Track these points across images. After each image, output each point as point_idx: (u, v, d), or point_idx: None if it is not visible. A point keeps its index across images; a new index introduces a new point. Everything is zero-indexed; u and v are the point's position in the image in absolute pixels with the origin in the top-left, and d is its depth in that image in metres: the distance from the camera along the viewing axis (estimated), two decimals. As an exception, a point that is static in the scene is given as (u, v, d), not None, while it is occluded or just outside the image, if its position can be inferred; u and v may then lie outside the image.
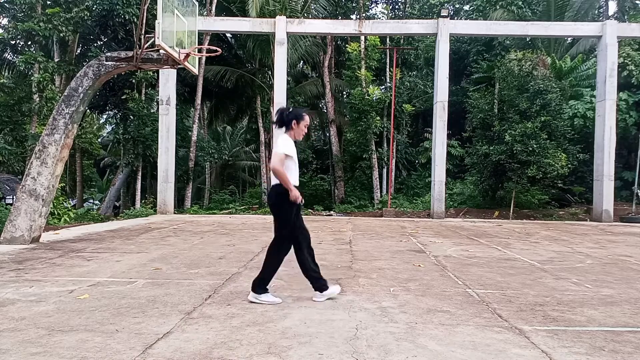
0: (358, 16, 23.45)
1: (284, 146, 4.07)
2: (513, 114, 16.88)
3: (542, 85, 16.69)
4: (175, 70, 14.42)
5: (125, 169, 20.51)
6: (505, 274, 5.79)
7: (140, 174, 19.34)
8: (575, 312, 4.13)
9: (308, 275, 4.37)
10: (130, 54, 8.33)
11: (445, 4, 25.64)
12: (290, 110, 4.28)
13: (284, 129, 4.23)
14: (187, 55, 8.54)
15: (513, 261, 6.81)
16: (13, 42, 19.34)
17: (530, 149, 15.70)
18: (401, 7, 29.31)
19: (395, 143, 21.70)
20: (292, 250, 4.38)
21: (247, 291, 4.59)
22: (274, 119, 4.37)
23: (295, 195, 4.05)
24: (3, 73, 20.54)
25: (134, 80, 18.24)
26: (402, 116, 21.27)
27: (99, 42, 19.82)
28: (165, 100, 15.14)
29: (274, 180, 4.15)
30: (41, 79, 16.13)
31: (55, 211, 12.80)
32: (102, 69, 8.37)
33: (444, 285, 5.14)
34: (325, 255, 6.95)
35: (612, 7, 27.83)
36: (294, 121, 4.17)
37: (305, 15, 21.68)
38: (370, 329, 3.56)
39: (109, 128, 31.47)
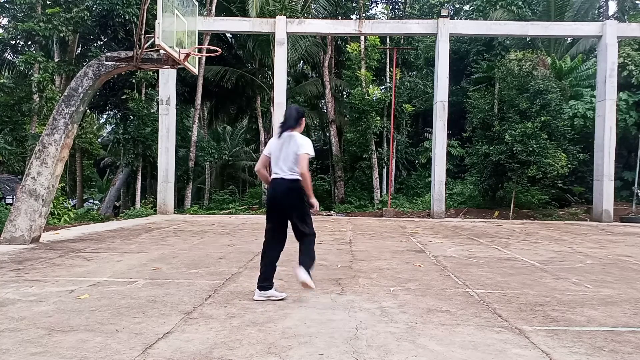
0: (358, 16, 23.44)
1: (310, 147, 4.01)
2: (513, 114, 16.88)
3: (542, 85, 16.69)
4: (175, 70, 14.42)
5: (125, 169, 20.51)
6: (505, 274, 5.79)
7: (140, 174, 19.33)
8: (575, 312, 4.13)
9: (264, 269, 4.28)
10: (130, 54, 8.33)
11: (445, 4, 25.60)
12: (296, 109, 4.25)
13: (296, 128, 4.14)
14: (187, 55, 8.54)
15: (513, 261, 6.81)
16: (13, 42, 19.31)
17: (530, 149, 15.70)
18: (401, 7, 29.29)
19: (395, 143, 21.69)
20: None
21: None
22: (285, 121, 4.15)
23: (315, 201, 4.09)
24: (3, 73, 20.51)
25: (134, 80, 18.23)
26: (402, 116, 21.27)
27: (99, 42, 19.81)
28: (165, 100, 15.15)
29: (287, 175, 4.05)
30: (41, 79, 16.12)
31: (55, 211, 12.80)
32: (102, 69, 8.37)
33: (444, 285, 5.14)
34: (325, 255, 6.94)
35: (612, 7, 27.86)
36: (303, 118, 4.15)
37: (305, 15, 21.67)
38: (370, 329, 3.56)
39: (109, 128, 31.49)
